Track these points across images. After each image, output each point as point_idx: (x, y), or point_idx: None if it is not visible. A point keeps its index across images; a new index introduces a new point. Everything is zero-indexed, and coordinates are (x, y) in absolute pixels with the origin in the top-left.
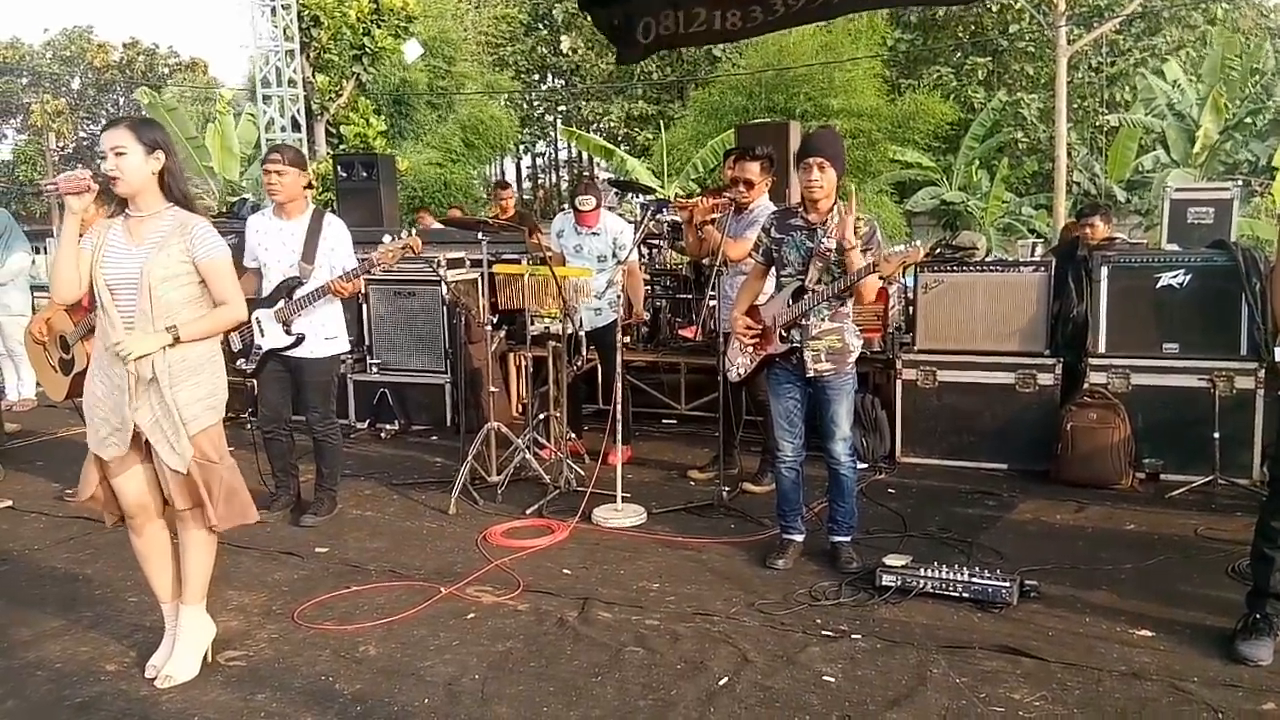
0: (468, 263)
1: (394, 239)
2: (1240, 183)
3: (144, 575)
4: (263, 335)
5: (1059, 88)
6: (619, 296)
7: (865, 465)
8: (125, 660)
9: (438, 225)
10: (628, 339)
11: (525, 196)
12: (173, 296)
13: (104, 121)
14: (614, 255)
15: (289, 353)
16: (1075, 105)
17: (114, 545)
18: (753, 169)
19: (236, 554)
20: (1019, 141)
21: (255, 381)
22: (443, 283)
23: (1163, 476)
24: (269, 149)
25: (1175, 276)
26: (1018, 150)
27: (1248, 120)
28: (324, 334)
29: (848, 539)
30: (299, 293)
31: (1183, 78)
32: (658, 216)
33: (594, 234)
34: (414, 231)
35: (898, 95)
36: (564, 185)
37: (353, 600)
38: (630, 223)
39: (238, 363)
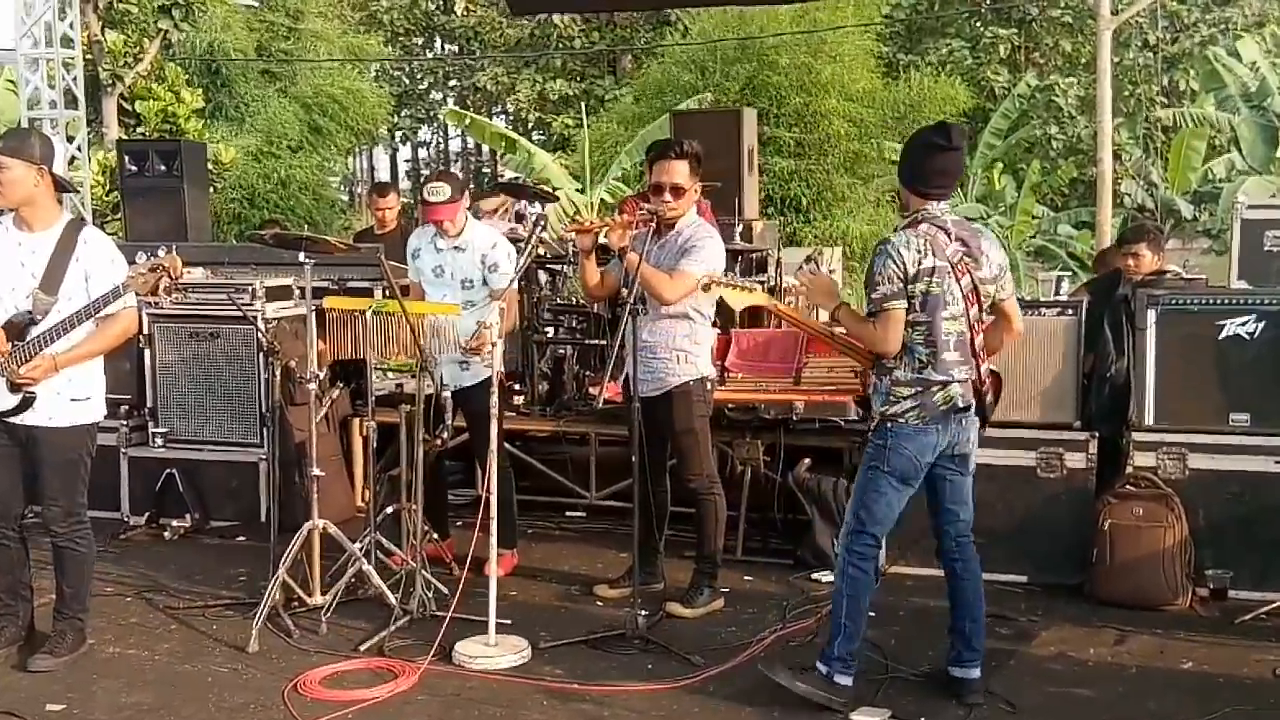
0: (296, 292)
1: (148, 257)
2: None
3: None
4: None
5: (1102, 70)
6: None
7: None
8: None
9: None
10: (520, 400)
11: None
12: None
13: None
14: (484, 282)
15: (17, 419)
16: (1125, 93)
17: None
18: (680, 170)
19: None
20: (1053, 139)
21: None
22: (256, 322)
23: (1231, 593)
24: None
25: (1245, 324)
26: (1051, 151)
27: None
28: (69, 393)
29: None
30: (33, 333)
31: (1262, 60)
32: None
33: (457, 249)
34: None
35: (898, 75)
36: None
37: None
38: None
39: None
